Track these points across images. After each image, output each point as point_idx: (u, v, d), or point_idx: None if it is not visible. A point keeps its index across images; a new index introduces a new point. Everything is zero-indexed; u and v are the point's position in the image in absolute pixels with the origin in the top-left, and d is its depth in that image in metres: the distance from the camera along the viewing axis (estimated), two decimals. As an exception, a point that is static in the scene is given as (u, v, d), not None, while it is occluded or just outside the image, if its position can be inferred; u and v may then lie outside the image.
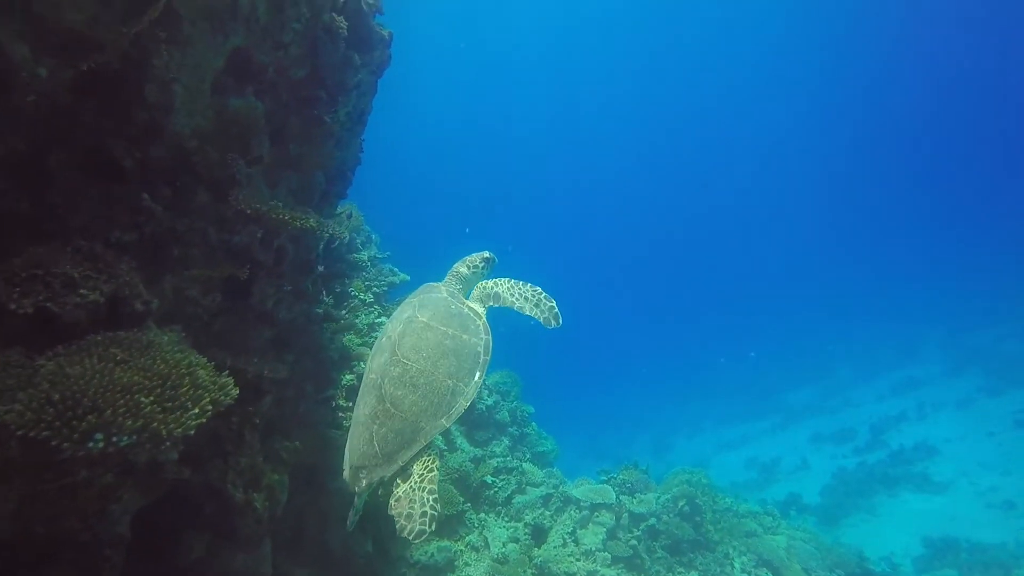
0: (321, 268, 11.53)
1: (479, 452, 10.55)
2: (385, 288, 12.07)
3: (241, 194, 3.54)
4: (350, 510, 3.60)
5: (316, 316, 7.09)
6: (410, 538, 3.13)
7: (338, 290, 11.37)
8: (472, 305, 3.99)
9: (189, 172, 3.51)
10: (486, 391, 12.72)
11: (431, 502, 3.20)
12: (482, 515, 8.60)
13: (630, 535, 8.31)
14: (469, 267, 4.26)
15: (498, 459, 10.54)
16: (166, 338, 2.96)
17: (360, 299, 11.25)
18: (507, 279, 4.20)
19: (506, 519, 8.65)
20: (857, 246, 48.79)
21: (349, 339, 10.42)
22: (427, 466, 3.33)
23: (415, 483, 3.26)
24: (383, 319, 11.07)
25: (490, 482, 9.49)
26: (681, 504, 9.11)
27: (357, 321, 10.84)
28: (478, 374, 3.55)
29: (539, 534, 8.17)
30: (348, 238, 11.67)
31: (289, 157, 4.81)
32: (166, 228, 3.45)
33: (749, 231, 54.50)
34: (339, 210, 12.08)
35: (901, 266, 43.20)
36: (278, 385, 5.71)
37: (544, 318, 4.04)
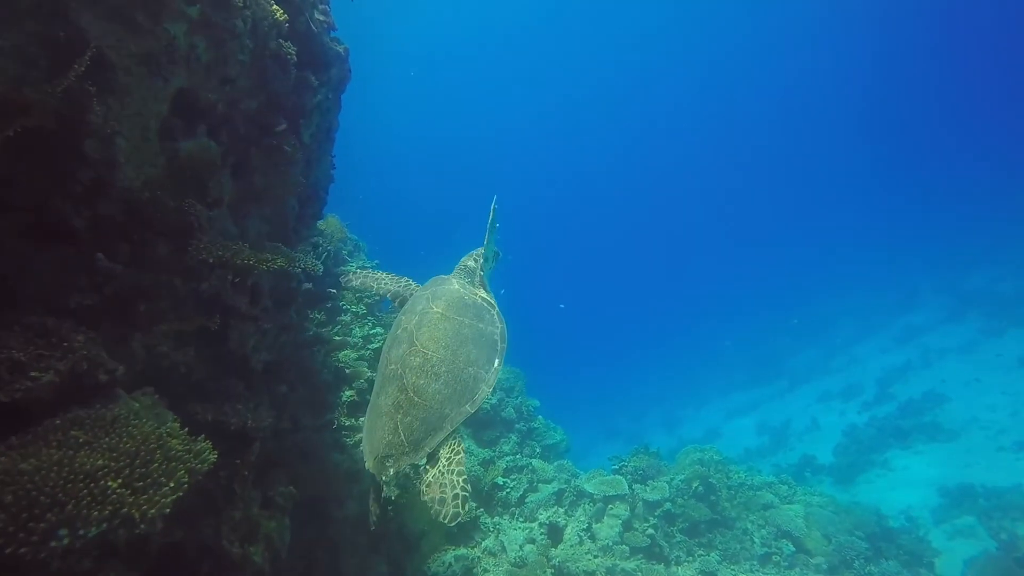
0: (308, 285, 11.41)
1: (488, 453, 10.48)
2: (377, 298, 11.95)
3: (201, 242, 3.40)
4: (370, 509, 3.78)
5: (306, 341, 6.98)
6: (445, 521, 3.15)
7: (329, 305, 11.25)
8: (483, 294, 4.05)
9: (145, 225, 3.37)
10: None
11: (461, 483, 3.23)
12: (496, 518, 8.54)
13: (646, 524, 8.26)
14: (476, 260, 4.31)
15: (508, 458, 10.47)
16: (137, 405, 2.84)
17: (352, 311, 11.14)
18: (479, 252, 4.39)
19: (520, 520, 8.59)
20: (842, 198, 48.76)
21: (345, 355, 10.30)
22: (454, 450, 3.37)
23: (443, 467, 3.30)
24: (378, 330, 10.96)
25: (501, 483, 9.42)
26: (695, 485, 9.06)
27: (351, 336, 10.74)
28: (497, 361, 3.61)
29: (555, 533, 8.11)
30: (334, 251, 11.55)
31: (255, 189, 4.67)
32: (129, 285, 3.32)
33: (739, 197, 54.35)
34: (320, 224, 11.95)
35: (887, 215, 43.16)
36: (273, 419, 5.62)
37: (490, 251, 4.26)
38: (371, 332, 10.97)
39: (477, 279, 4.29)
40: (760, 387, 26.22)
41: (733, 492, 9.92)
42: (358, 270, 4.49)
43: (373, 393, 3.71)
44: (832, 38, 47.21)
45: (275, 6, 3.90)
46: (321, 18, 5.06)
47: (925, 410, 16.93)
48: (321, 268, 4.56)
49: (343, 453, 7.02)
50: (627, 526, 8.21)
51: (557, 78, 52.55)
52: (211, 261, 3.34)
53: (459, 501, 3.20)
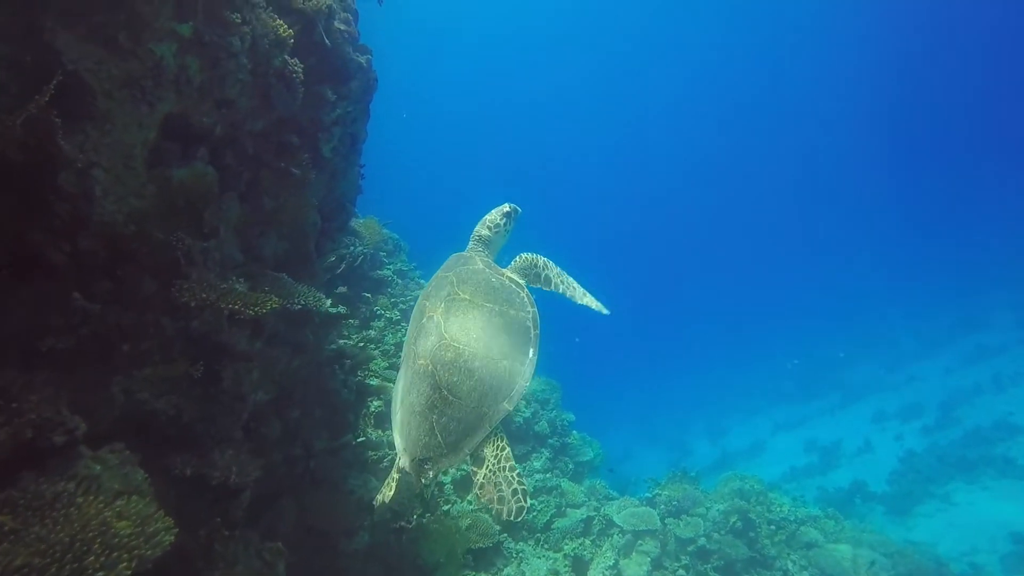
0: (344, 288, 11.28)
1: (517, 470, 10.14)
2: (412, 304, 11.74)
3: (184, 283, 3.13)
4: (413, 505, 3.56)
5: (326, 358, 6.75)
6: (511, 518, 3.11)
7: (363, 310, 11.11)
8: (511, 275, 3.85)
9: (130, 260, 3.12)
10: (523, 402, 12.29)
11: (517, 479, 3.18)
12: (520, 544, 8.19)
13: (677, 564, 7.78)
14: (491, 228, 4.05)
15: (537, 476, 10.12)
16: (98, 468, 2.59)
17: (387, 317, 10.96)
18: (555, 265, 4.06)
19: (545, 547, 8.21)
20: (913, 207, 46.06)
21: (376, 364, 10.12)
22: (499, 446, 3.28)
23: (493, 466, 3.22)
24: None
25: (529, 505, 9.07)
26: (733, 520, 8.50)
27: (383, 343, 10.55)
28: (531, 350, 3.43)
29: (580, 566, 7.71)
30: (370, 254, 11.39)
31: (264, 211, 4.41)
32: (110, 325, 3.09)
33: (798, 201, 52.06)
34: (358, 225, 11.81)
35: (961, 226, 40.53)
36: (280, 447, 5.41)
37: (596, 306, 4.00)
38: (403, 339, 10.75)
39: (496, 250, 4.11)
40: (810, 401, 24.96)
41: (775, 527, 9.30)
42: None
43: (402, 387, 3.49)
44: (886, 30, 44.53)
45: (279, 21, 3.60)
46: (342, 27, 4.75)
47: (995, 440, 15.69)
48: (327, 303, 4.26)
49: (360, 475, 6.79)
50: (657, 564, 7.74)
51: (583, 83, 51.53)
52: (192, 305, 3.06)
53: (520, 495, 3.14)
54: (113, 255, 3.07)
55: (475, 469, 3.26)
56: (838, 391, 24.44)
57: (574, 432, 12.07)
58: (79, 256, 2.97)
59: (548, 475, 10.18)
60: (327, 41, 4.27)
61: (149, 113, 3.06)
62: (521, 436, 11.26)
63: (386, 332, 10.81)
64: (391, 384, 9.64)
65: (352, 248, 10.96)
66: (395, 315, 11.21)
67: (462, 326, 3.37)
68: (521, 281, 3.83)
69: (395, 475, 3.52)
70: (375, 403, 9.42)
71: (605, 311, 3.97)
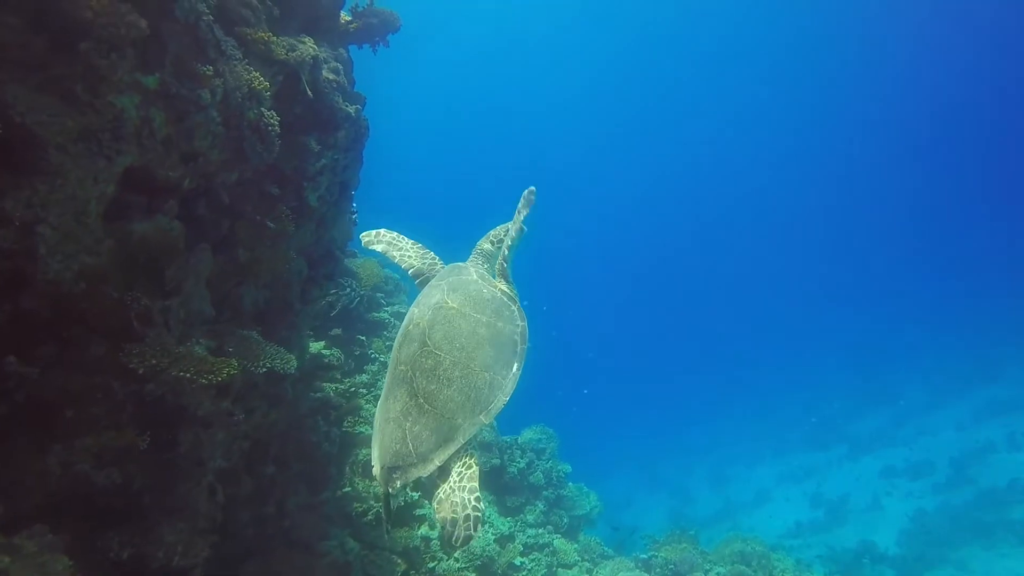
0: (339, 331, 11.05)
1: (509, 525, 9.75)
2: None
3: (137, 346, 2.92)
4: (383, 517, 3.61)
5: (308, 409, 6.51)
6: (457, 544, 2.96)
7: (357, 352, 10.87)
8: (504, 288, 3.77)
9: (78, 321, 2.93)
10: (519, 451, 11.93)
11: (473, 502, 3.02)
12: (509, 608, 7.79)
13: (673, 637, 7.33)
14: (493, 242, 4.03)
15: (530, 531, 9.74)
16: (6, 560, 2.34)
17: (382, 361, 10.71)
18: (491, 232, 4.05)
19: (534, 613, 7.79)
20: (920, 249, 45.41)
21: (368, 410, 9.85)
22: (466, 464, 3.17)
23: (454, 483, 3.09)
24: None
25: (519, 564, 8.68)
26: (734, 588, 8.06)
27: (377, 387, 10.29)
28: (516, 364, 3.36)
29: (569, 636, 7.28)
30: (367, 296, 11.20)
31: (239, 263, 4.24)
32: (53, 390, 2.88)
33: (796, 232, 50.92)
34: (355, 266, 11.66)
35: (972, 272, 39.92)
36: (249, 506, 5.13)
37: (517, 228, 3.73)
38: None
39: (498, 265, 3.92)
40: (817, 451, 24.23)
41: (777, 595, 8.84)
42: (384, 232, 4.19)
43: (383, 392, 3.43)
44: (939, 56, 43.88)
45: (254, 73, 3.48)
46: (331, 77, 4.65)
47: (1012, 503, 15.02)
48: (294, 364, 4.04)
49: (341, 532, 6.47)
50: (651, 637, 7.29)
51: (593, 101, 50.91)
52: (140, 372, 2.85)
53: (471, 523, 2.97)
54: (59, 315, 2.87)
55: (439, 483, 3.16)
56: (845, 442, 23.76)
57: (570, 484, 11.68)
58: (19, 317, 2.78)
59: (541, 531, 9.80)
60: (309, 92, 4.14)
61: (107, 167, 2.89)
62: (515, 487, 10.90)
63: (380, 376, 10.55)
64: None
65: (348, 290, 10.78)
66: (389, 358, 10.94)
67: (446, 335, 3.30)
68: (514, 294, 3.76)
69: (384, 502, 3.49)
70: (364, 452, 9.12)
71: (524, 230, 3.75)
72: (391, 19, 5.63)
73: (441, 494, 3.11)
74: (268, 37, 3.71)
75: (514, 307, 3.61)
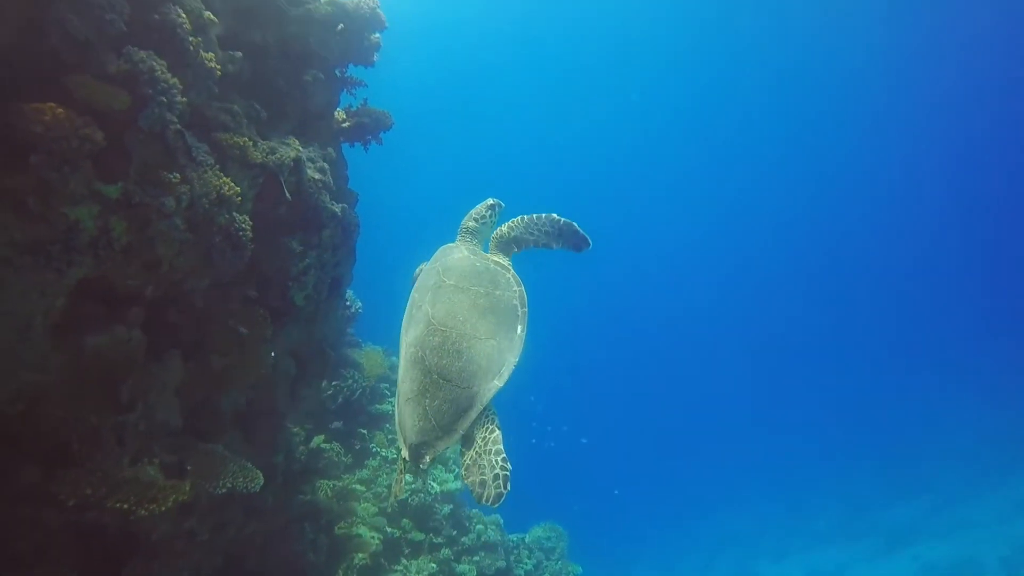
0: (339, 424, 10.70)
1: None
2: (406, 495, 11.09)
3: (69, 474, 2.67)
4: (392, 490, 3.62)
5: (294, 516, 6.11)
6: (490, 504, 3.05)
7: (358, 447, 10.48)
8: (495, 258, 3.90)
9: (10, 445, 2.70)
10: (526, 551, 11.24)
11: (500, 463, 3.11)
12: None
13: None
14: (476, 220, 4.08)
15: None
16: None
17: (383, 456, 10.29)
18: (519, 217, 4.03)
19: None
20: (955, 325, 43.58)
21: (365, 509, 9.38)
22: (488, 429, 3.25)
23: (479, 448, 3.19)
24: (407, 477, 10.04)
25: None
26: None
27: (376, 484, 9.84)
28: (519, 327, 3.46)
29: None
30: (369, 388, 10.91)
31: (212, 370, 4.04)
32: (-21, 521, 2.62)
33: (829, 314, 48.99)
34: (359, 356, 11.43)
35: (1013, 346, 38.06)
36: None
37: (574, 244, 3.93)
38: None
39: (486, 239, 4.09)
40: (848, 543, 22.42)
41: None
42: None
43: (399, 378, 3.53)
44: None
45: (224, 179, 3.39)
46: (317, 176, 4.61)
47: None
48: (260, 483, 3.74)
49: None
50: None
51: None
52: (71, 504, 2.59)
53: (500, 481, 3.06)
54: (-10, 439, 2.66)
55: (464, 451, 3.28)
56: (878, 534, 22.04)
57: (580, 586, 10.91)
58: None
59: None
60: (287, 195, 4.06)
61: (56, 280, 2.75)
62: (523, 591, 10.18)
63: (380, 472, 10.11)
64: (377, 536, 8.85)
65: (350, 381, 10.52)
66: (391, 453, 10.54)
67: (448, 311, 3.42)
68: (507, 263, 3.88)
69: (401, 467, 3.56)
70: (359, 556, 8.59)
71: (584, 247, 3.92)
72: (383, 118, 5.68)
73: (468, 461, 3.20)
74: (244, 142, 3.66)
75: (509, 275, 3.71)
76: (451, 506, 10.06)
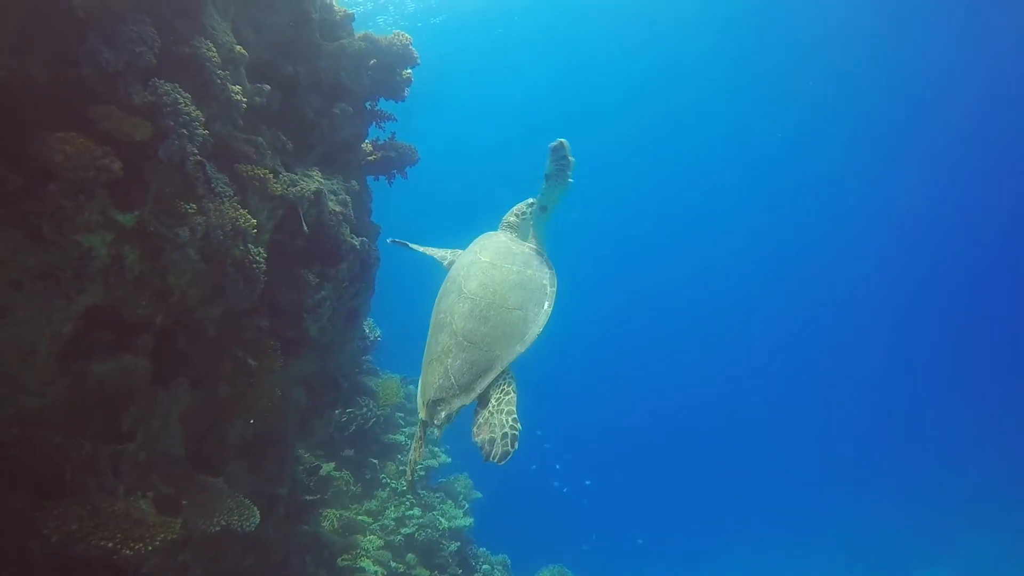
0: (351, 452, 10.59)
1: None
2: (422, 473, 10.92)
3: (56, 506, 2.62)
4: (410, 458, 3.68)
5: (295, 547, 5.99)
6: (496, 461, 3.11)
7: (368, 476, 10.35)
8: (531, 245, 4.05)
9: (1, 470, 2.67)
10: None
11: (511, 423, 3.21)
12: None
13: None
14: (517, 215, 4.30)
15: None
16: None
17: (392, 486, 10.16)
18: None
19: None
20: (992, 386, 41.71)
21: (370, 542, 9.23)
22: (504, 390, 3.35)
23: (493, 407, 3.28)
24: (416, 511, 9.88)
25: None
26: None
27: (384, 516, 9.69)
28: (547, 303, 3.63)
29: None
30: (384, 417, 10.81)
31: (219, 399, 4.00)
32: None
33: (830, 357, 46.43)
34: (376, 385, 11.38)
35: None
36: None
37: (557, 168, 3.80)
38: (408, 514, 9.87)
39: (526, 235, 4.20)
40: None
41: None
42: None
43: (427, 340, 3.67)
44: None
45: (241, 211, 3.39)
46: (337, 209, 4.62)
47: None
48: (255, 522, 3.67)
49: None
50: None
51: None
52: (54, 540, 2.53)
53: (508, 440, 3.16)
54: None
55: (479, 409, 3.34)
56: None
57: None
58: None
59: None
60: (305, 227, 4.06)
61: (65, 306, 2.75)
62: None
63: (388, 504, 9.96)
64: (381, 571, 8.66)
65: (365, 409, 10.44)
66: (401, 485, 10.38)
67: (481, 283, 3.57)
68: (542, 251, 4.01)
69: (420, 433, 3.61)
70: None
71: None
72: (409, 153, 5.71)
73: (480, 419, 3.27)
74: (264, 173, 3.68)
75: (542, 258, 3.88)
76: (458, 543, 9.83)
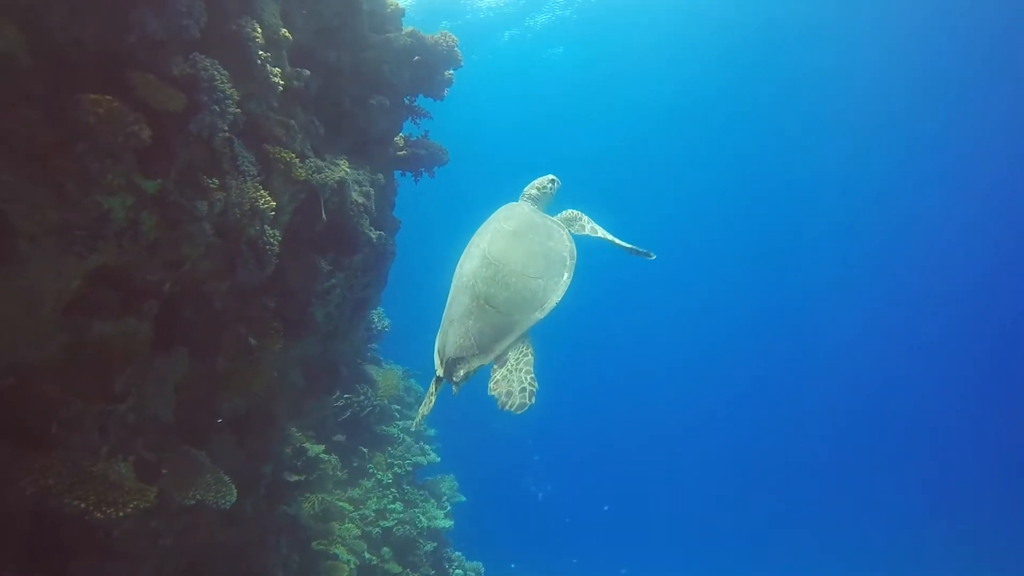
0: (342, 437, 10.61)
1: None
2: (409, 468, 10.90)
3: (37, 459, 2.64)
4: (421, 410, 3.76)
5: (271, 527, 6.00)
6: (513, 410, 3.25)
7: (355, 464, 10.36)
8: (554, 220, 4.13)
9: (-7, 419, 2.70)
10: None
11: (529, 380, 3.35)
12: None
13: None
14: (538, 189, 4.38)
15: None
16: None
17: (378, 479, 10.15)
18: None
19: None
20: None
21: (347, 530, 9.21)
22: (522, 351, 3.48)
23: (512, 367, 3.42)
24: (397, 505, 9.86)
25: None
26: None
27: (365, 507, 9.69)
28: (566, 274, 3.73)
29: None
30: (379, 407, 10.82)
31: (216, 372, 4.03)
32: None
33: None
34: (377, 374, 11.40)
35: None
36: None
37: (630, 249, 4.11)
38: (389, 507, 9.85)
39: (543, 208, 4.31)
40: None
41: None
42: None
43: (447, 302, 3.78)
44: None
45: (261, 192, 3.42)
46: (360, 200, 4.64)
47: None
48: (231, 500, 3.68)
49: None
50: None
51: None
52: (29, 493, 2.55)
53: (526, 394, 3.30)
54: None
55: (496, 368, 3.45)
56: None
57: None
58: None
59: None
60: (324, 215, 4.08)
61: (75, 263, 2.78)
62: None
63: (371, 495, 9.94)
64: (354, 561, 8.65)
65: (362, 397, 10.44)
66: (387, 478, 10.36)
67: (503, 250, 3.67)
68: (563, 225, 4.08)
69: (433, 389, 3.69)
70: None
71: (652, 255, 4.12)
72: (439, 153, 5.73)
73: (498, 376, 3.38)
74: (290, 157, 3.70)
75: (564, 232, 3.93)
76: (435, 544, 9.80)
